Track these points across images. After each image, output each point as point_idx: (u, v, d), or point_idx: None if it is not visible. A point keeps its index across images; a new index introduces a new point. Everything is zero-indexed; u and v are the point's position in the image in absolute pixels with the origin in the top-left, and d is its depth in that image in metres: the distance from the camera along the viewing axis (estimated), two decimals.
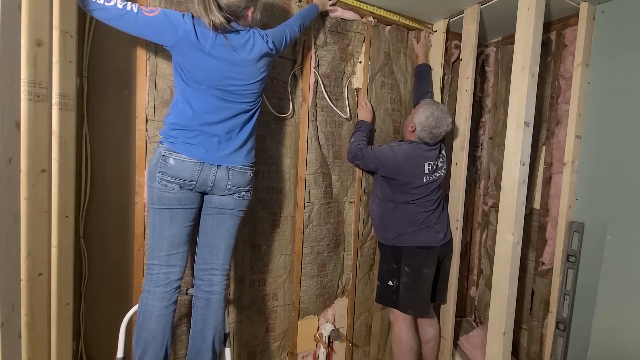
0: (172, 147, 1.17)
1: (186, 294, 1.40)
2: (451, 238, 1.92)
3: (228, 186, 1.25)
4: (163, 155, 1.16)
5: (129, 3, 1.10)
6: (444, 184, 1.88)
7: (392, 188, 1.78)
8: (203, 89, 1.19)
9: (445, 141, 1.87)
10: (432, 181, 1.77)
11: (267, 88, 1.62)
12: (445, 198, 1.95)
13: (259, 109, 1.33)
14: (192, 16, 1.17)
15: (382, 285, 1.87)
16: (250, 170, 1.31)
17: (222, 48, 1.18)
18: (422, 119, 1.71)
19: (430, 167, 1.75)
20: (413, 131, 1.75)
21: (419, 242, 1.78)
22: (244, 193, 1.31)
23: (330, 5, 1.72)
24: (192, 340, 1.29)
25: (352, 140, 1.83)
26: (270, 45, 1.28)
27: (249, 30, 1.24)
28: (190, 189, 1.21)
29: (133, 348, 1.19)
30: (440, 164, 1.80)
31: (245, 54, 1.22)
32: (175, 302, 1.23)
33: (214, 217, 1.29)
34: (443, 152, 1.85)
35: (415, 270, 1.77)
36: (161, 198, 1.17)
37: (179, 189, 1.18)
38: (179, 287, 1.24)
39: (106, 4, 1.08)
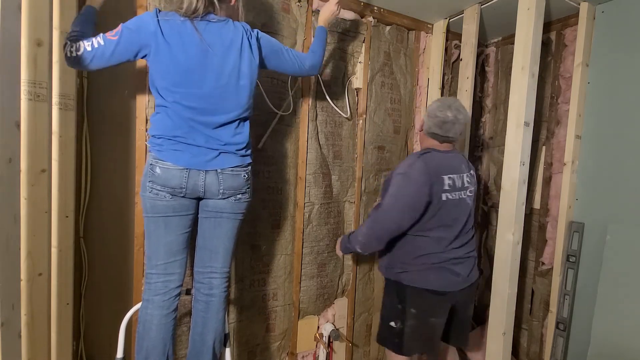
0: (159, 155, 1.14)
1: (187, 294, 1.40)
2: (476, 280, 1.53)
3: (221, 190, 1.20)
4: (151, 164, 1.14)
5: (95, 39, 1.06)
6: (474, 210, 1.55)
7: None
8: (180, 94, 1.11)
9: None
10: (456, 201, 1.42)
11: (267, 88, 1.62)
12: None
13: (249, 108, 1.25)
14: (157, 12, 1.10)
15: (383, 324, 1.56)
16: (244, 171, 1.24)
17: (194, 46, 1.10)
18: (429, 109, 1.50)
19: (452, 182, 1.42)
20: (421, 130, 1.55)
21: (428, 284, 1.43)
22: (240, 195, 1.25)
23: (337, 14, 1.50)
24: (192, 342, 1.28)
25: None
26: (253, 41, 1.17)
27: (227, 22, 1.16)
28: (182, 196, 1.17)
29: (135, 357, 1.18)
30: (468, 181, 1.48)
31: (222, 48, 1.13)
32: (176, 309, 1.21)
33: (211, 221, 1.25)
34: (472, 170, 1.54)
35: (423, 315, 1.47)
36: (154, 207, 1.15)
37: (170, 197, 1.15)
38: (179, 294, 1.22)
39: (77, 53, 1.04)
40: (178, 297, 1.22)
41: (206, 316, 1.26)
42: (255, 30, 1.22)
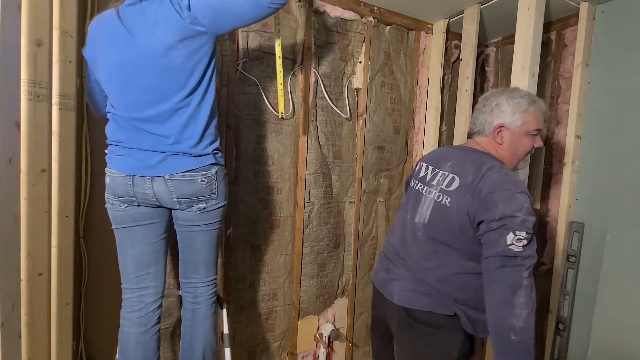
0: (108, 162, 1.07)
1: None
2: (402, 309, 1.07)
3: (174, 199, 1.06)
4: (105, 174, 1.08)
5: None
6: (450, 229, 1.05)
7: None
8: (120, 93, 1.03)
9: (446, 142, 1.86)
10: (415, 190, 1.19)
11: (267, 88, 1.62)
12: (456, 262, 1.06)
13: (201, 94, 1.06)
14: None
15: None
16: (202, 175, 1.06)
17: (120, 37, 0.99)
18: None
19: (419, 170, 1.22)
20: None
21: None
22: (202, 205, 1.09)
23: None
24: (182, 351, 1.23)
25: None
26: (184, 14, 0.98)
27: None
28: (137, 205, 1.07)
29: None
30: (438, 181, 1.12)
31: (146, 28, 0.98)
32: (156, 324, 1.14)
33: (184, 234, 1.15)
34: (461, 172, 1.07)
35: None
36: (115, 217, 1.09)
37: (126, 206, 1.07)
38: (159, 307, 1.15)
39: (86, 98, 1.14)
40: (157, 311, 1.15)
41: (193, 324, 1.20)
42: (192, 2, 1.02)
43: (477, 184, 1.00)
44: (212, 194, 1.09)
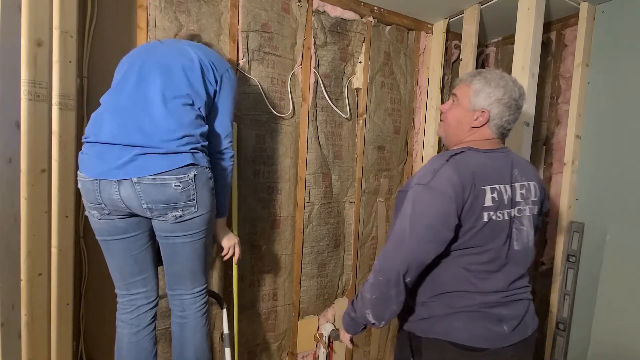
0: (79, 163, 0.97)
1: None
2: (533, 333, 0.99)
3: (144, 206, 0.92)
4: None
5: None
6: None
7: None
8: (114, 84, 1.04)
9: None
10: (503, 222, 0.93)
11: (267, 88, 1.62)
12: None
13: (193, 97, 1.00)
14: None
15: None
16: (178, 178, 0.91)
17: (152, 46, 1.13)
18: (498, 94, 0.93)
19: (498, 196, 0.92)
20: (483, 124, 0.96)
21: (452, 336, 0.93)
22: (179, 213, 0.94)
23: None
24: None
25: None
26: (200, 61, 1.04)
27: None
28: (108, 214, 0.96)
29: None
30: (522, 194, 0.97)
31: (172, 41, 1.16)
32: (149, 325, 1.11)
33: (165, 245, 1.03)
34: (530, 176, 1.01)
35: None
36: (94, 228, 1.03)
37: (99, 216, 0.97)
38: (152, 308, 1.12)
39: None
40: (151, 312, 1.12)
41: (182, 340, 1.13)
42: (226, 66, 1.10)
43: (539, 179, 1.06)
44: (189, 200, 0.94)
